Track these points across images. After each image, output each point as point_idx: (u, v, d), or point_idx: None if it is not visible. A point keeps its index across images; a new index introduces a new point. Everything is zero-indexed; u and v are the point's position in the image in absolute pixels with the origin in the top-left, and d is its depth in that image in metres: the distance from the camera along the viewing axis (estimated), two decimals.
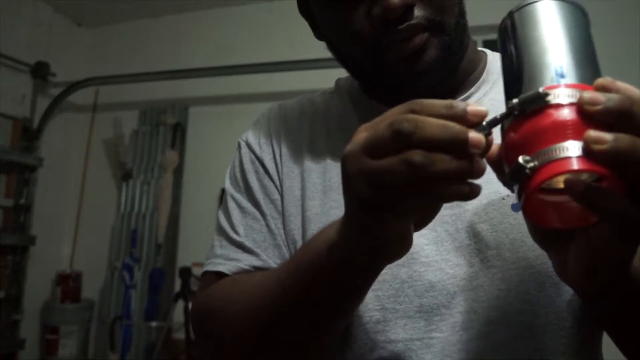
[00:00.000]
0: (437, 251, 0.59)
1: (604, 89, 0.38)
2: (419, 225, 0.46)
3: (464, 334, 0.57)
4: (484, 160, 0.41)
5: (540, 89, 0.38)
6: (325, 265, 0.49)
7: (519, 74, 0.42)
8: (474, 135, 0.38)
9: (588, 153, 0.35)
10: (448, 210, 0.59)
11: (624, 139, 0.35)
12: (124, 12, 3.22)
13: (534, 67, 0.41)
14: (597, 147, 0.35)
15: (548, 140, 0.36)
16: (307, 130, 0.71)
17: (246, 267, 0.65)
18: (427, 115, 0.39)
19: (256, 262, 0.65)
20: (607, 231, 0.39)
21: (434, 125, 0.38)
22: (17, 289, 2.90)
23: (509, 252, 0.58)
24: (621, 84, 0.38)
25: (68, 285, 3.01)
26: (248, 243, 0.66)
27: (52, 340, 2.91)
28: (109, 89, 3.24)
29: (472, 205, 0.60)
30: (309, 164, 0.68)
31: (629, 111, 0.36)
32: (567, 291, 0.57)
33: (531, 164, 0.36)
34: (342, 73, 0.78)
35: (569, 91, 0.38)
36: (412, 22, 0.57)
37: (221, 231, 0.70)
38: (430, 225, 0.47)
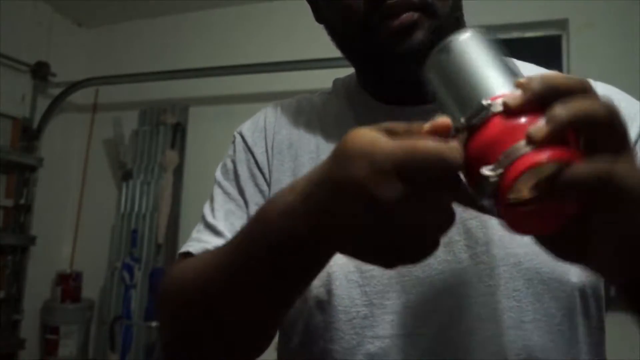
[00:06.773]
0: None
1: (522, 83, 0.39)
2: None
3: (452, 330, 0.56)
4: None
5: (483, 102, 0.39)
6: (269, 242, 0.46)
7: (456, 99, 0.43)
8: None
9: (538, 144, 0.35)
10: None
11: (555, 109, 0.35)
12: (124, 12, 3.22)
13: (469, 90, 0.42)
14: (540, 135, 0.35)
15: (502, 146, 0.37)
16: (302, 126, 0.71)
17: (212, 248, 0.62)
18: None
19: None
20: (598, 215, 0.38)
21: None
22: (17, 289, 2.89)
23: (498, 248, 0.58)
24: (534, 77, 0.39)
25: (68, 285, 3.00)
26: (220, 226, 0.66)
27: (52, 340, 2.90)
28: (109, 89, 3.24)
29: None
30: (302, 159, 0.68)
31: (553, 78, 0.37)
32: (556, 288, 0.57)
33: (496, 172, 0.37)
34: (342, 73, 0.78)
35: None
36: None
37: (202, 217, 0.70)
38: None
